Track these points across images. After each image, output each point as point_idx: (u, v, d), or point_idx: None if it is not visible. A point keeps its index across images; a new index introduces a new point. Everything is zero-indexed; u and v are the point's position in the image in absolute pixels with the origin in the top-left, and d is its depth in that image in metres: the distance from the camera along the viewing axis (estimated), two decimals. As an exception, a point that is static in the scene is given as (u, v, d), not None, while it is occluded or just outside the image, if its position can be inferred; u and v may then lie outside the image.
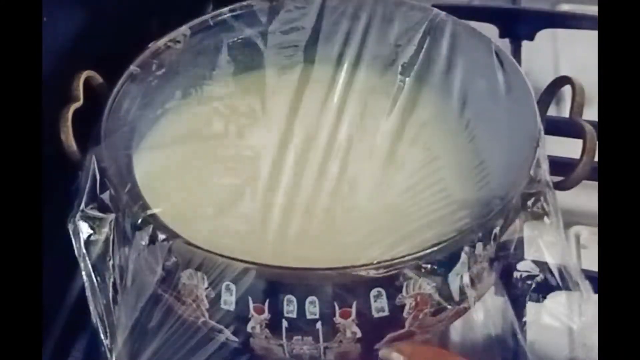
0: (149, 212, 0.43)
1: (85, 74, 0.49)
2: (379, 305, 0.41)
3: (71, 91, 0.48)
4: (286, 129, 0.52)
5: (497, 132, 0.50)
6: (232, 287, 0.41)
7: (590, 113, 0.43)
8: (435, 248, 0.40)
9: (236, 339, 0.43)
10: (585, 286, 0.50)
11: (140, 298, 0.43)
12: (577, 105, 0.47)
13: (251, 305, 0.41)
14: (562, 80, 0.49)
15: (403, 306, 0.41)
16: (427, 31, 0.55)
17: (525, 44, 0.68)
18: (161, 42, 0.54)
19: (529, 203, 0.45)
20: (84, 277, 0.44)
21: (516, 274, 0.45)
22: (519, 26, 0.69)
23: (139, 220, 0.43)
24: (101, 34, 0.57)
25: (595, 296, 0.36)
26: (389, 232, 0.45)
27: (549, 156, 0.47)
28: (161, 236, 0.42)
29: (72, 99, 0.47)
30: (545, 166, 0.46)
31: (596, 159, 0.43)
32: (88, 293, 0.44)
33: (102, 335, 0.43)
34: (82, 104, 0.47)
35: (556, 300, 0.50)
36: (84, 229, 0.44)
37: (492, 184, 0.47)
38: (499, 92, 0.51)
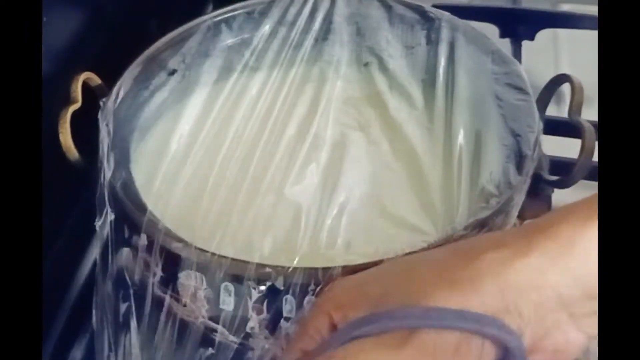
0: (148, 213, 0.43)
1: (83, 76, 0.49)
2: (378, 305, 0.41)
3: (70, 93, 0.48)
4: (286, 129, 0.52)
5: (497, 132, 0.50)
6: (231, 287, 0.41)
7: (590, 113, 0.43)
8: (434, 247, 0.40)
9: (235, 339, 0.43)
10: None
11: (140, 298, 0.43)
12: (576, 104, 0.47)
13: (250, 305, 0.41)
14: (561, 78, 0.49)
15: (403, 306, 0.41)
16: (427, 31, 0.55)
17: (525, 44, 0.68)
18: (162, 41, 0.54)
19: (528, 202, 0.45)
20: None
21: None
22: (519, 26, 0.69)
23: (138, 222, 0.43)
24: (101, 34, 0.57)
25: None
26: (387, 231, 0.45)
27: (548, 156, 0.47)
28: (160, 237, 0.42)
29: (70, 101, 0.47)
30: (544, 165, 0.46)
31: (595, 158, 0.43)
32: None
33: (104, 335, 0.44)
34: (81, 105, 0.47)
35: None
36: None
37: (492, 183, 0.47)
38: (499, 92, 0.51)
